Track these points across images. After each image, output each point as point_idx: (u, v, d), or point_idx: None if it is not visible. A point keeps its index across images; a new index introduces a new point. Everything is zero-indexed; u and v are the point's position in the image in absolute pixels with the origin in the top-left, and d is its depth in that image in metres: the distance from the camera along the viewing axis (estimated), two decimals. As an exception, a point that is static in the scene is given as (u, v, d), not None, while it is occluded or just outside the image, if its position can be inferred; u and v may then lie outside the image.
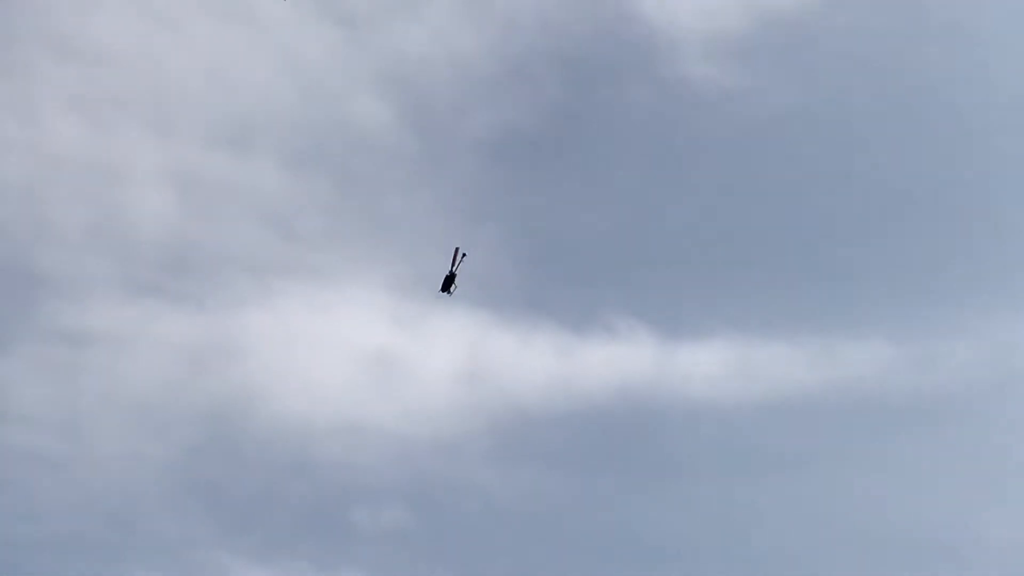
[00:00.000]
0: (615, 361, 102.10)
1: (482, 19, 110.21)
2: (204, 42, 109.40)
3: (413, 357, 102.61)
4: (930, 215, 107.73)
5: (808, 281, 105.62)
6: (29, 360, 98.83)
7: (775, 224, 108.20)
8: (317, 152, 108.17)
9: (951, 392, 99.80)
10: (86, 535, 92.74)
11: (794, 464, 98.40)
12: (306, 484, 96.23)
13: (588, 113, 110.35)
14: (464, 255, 79.39)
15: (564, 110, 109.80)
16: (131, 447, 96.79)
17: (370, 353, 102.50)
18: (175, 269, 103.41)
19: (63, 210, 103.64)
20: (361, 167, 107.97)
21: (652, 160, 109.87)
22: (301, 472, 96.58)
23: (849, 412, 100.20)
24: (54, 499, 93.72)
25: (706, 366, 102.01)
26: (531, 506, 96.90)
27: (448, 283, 79.46)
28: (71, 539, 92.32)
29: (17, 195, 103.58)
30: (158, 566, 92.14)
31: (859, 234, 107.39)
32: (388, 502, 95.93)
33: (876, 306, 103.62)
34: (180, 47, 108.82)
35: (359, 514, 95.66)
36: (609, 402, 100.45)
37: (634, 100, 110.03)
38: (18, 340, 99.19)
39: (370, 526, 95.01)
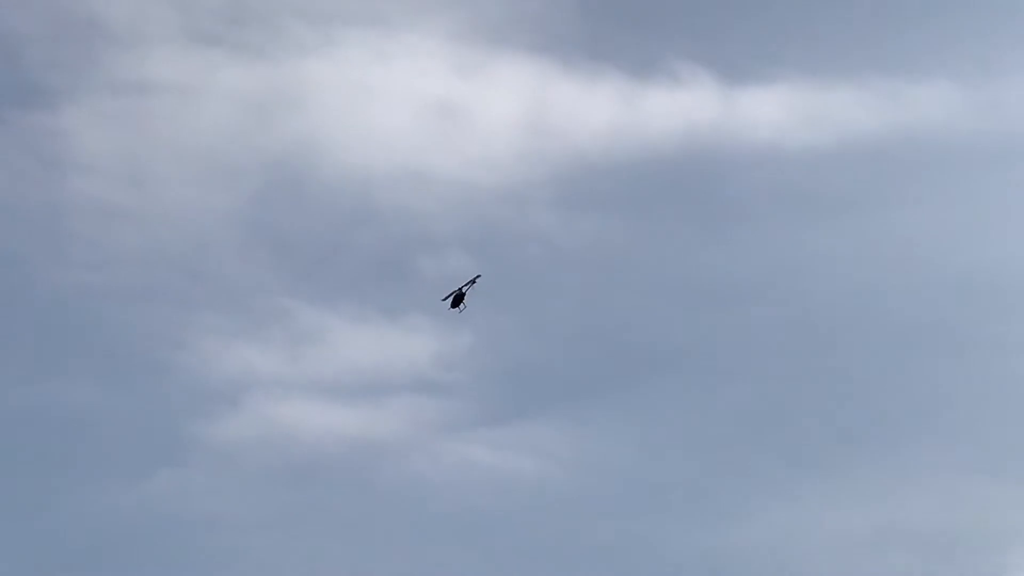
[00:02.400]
0: (678, 107, 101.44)
1: None
2: None
3: (475, 105, 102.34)
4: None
5: (874, 23, 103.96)
6: (93, 111, 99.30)
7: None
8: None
9: (1016, 134, 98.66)
10: (154, 283, 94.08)
11: (857, 208, 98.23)
12: (370, 231, 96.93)
13: None
14: (479, 276, 78.98)
15: None
16: (197, 196, 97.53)
17: (431, 101, 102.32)
18: (236, 19, 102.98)
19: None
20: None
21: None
22: (365, 219, 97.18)
23: (913, 156, 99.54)
24: (122, 248, 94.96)
25: (770, 111, 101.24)
26: (593, 252, 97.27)
27: (457, 301, 79.14)
28: (140, 287, 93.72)
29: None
30: (227, 312, 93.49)
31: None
32: (451, 248, 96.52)
33: (943, 49, 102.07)
34: None
35: (423, 260, 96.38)
36: (672, 149, 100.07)
37: None
38: (82, 91, 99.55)
39: (434, 272, 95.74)
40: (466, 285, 78.60)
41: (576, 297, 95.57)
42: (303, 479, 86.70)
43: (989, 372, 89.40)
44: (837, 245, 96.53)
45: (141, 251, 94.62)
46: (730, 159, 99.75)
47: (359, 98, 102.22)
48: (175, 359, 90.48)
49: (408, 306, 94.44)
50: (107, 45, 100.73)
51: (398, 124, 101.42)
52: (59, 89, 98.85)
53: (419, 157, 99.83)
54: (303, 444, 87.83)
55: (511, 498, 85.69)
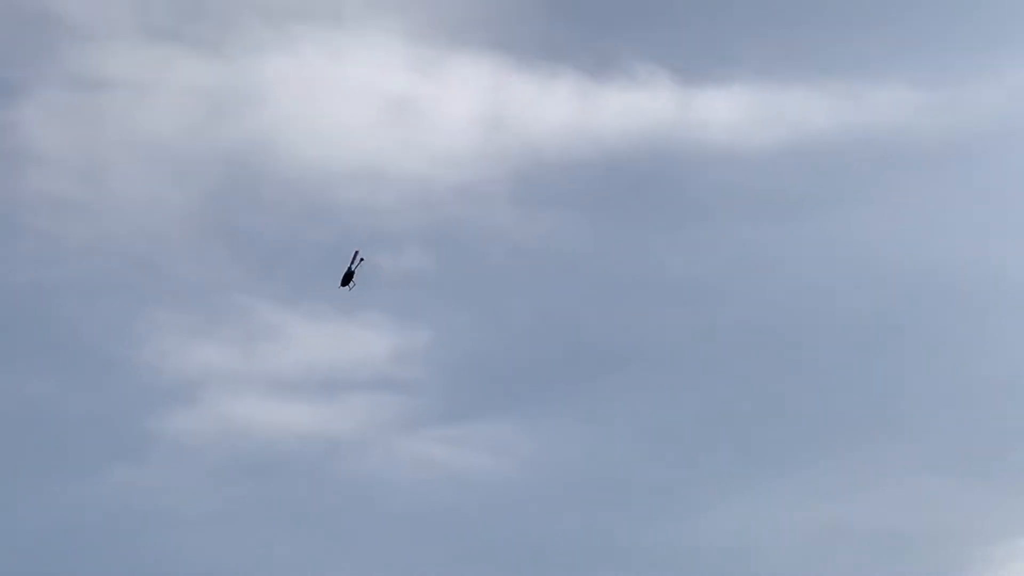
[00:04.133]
0: (635, 106, 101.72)
1: None
2: None
3: (432, 102, 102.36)
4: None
5: (830, 24, 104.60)
6: (48, 105, 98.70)
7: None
8: None
9: (972, 136, 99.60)
10: (110, 278, 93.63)
11: (813, 208, 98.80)
12: (327, 228, 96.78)
13: None
14: (362, 259, 79.50)
15: None
16: (152, 191, 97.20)
17: (389, 98, 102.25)
18: (192, 14, 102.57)
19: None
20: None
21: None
22: (322, 216, 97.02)
23: (870, 157, 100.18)
24: (77, 243, 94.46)
25: (726, 111, 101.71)
26: (551, 249, 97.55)
27: (347, 279, 79.77)
28: (95, 282, 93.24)
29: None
30: (182, 308, 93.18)
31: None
32: (409, 245, 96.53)
33: (899, 50, 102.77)
34: None
35: (381, 257, 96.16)
36: (629, 147, 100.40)
37: None
38: (37, 85, 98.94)
39: (391, 269, 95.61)
40: (354, 263, 79.08)
41: (534, 295, 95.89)
42: (259, 475, 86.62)
43: (947, 372, 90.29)
44: (794, 245, 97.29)
45: (96, 246, 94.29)
46: (687, 159, 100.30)
47: (316, 95, 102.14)
48: (131, 355, 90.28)
49: (365, 303, 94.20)
50: (62, 39, 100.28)
51: (355, 121, 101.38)
52: (14, 83, 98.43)
53: (377, 154, 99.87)
54: (259, 440, 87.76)
55: (469, 495, 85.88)
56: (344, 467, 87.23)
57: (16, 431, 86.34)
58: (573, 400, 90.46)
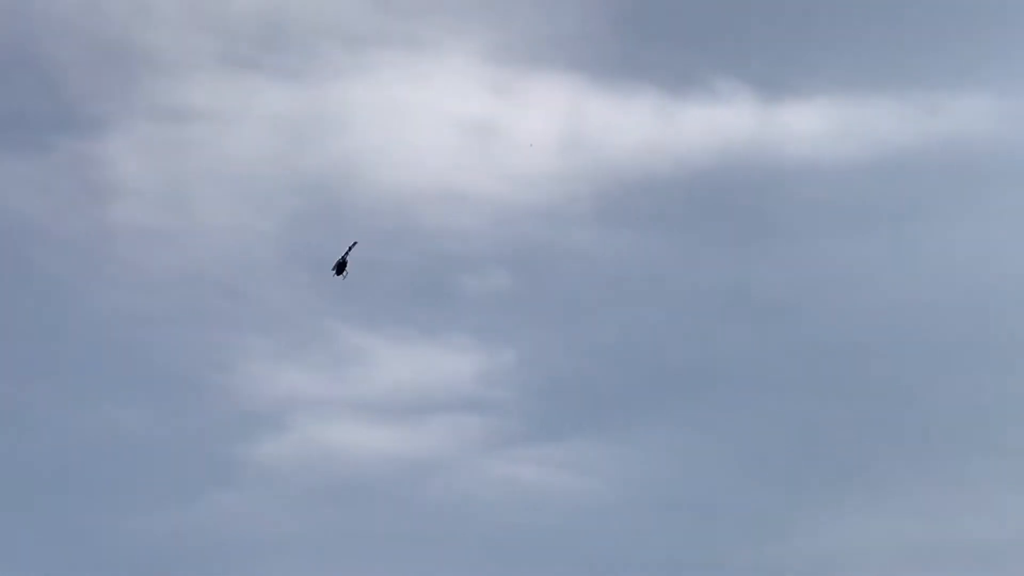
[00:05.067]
0: (715, 122, 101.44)
1: None
2: None
3: (511, 123, 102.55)
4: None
5: (911, 35, 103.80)
6: (133, 137, 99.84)
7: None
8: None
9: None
10: (197, 306, 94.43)
11: (899, 221, 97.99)
12: (410, 251, 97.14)
13: None
14: (355, 243, 79.71)
15: None
16: (237, 219, 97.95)
17: (468, 121, 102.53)
18: (272, 43, 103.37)
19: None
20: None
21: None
22: (404, 239, 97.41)
23: (955, 168, 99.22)
24: (164, 271, 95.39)
25: (808, 125, 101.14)
26: (633, 268, 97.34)
27: (341, 268, 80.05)
28: (183, 310, 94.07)
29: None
30: (268, 334, 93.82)
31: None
32: (491, 267, 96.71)
33: (981, 59, 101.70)
34: None
35: (463, 279, 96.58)
36: (710, 163, 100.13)
37: None
38: (122, 117, 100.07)
39: (474, 290, 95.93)
40: (346, 252, 79.38)
41: (618, 314, 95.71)
42: (349, 499, 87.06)
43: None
44: (881, 258, 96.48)
45: (184, 274, 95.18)
46: (769, 174, 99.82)
47: (395, 119, 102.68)
48: (219, 381, 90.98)
49: (449, 325, 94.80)
50: (146, 72, 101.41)
51: (435, 144, 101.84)
52: (100, 117, 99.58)
53: (456, 176, 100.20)
54: (348, 464, 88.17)
55: (556, 516, 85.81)
56: (431, 489, 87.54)
57: (107, 459, 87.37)
58: (659, 419, 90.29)
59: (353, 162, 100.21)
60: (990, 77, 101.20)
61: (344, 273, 79.71)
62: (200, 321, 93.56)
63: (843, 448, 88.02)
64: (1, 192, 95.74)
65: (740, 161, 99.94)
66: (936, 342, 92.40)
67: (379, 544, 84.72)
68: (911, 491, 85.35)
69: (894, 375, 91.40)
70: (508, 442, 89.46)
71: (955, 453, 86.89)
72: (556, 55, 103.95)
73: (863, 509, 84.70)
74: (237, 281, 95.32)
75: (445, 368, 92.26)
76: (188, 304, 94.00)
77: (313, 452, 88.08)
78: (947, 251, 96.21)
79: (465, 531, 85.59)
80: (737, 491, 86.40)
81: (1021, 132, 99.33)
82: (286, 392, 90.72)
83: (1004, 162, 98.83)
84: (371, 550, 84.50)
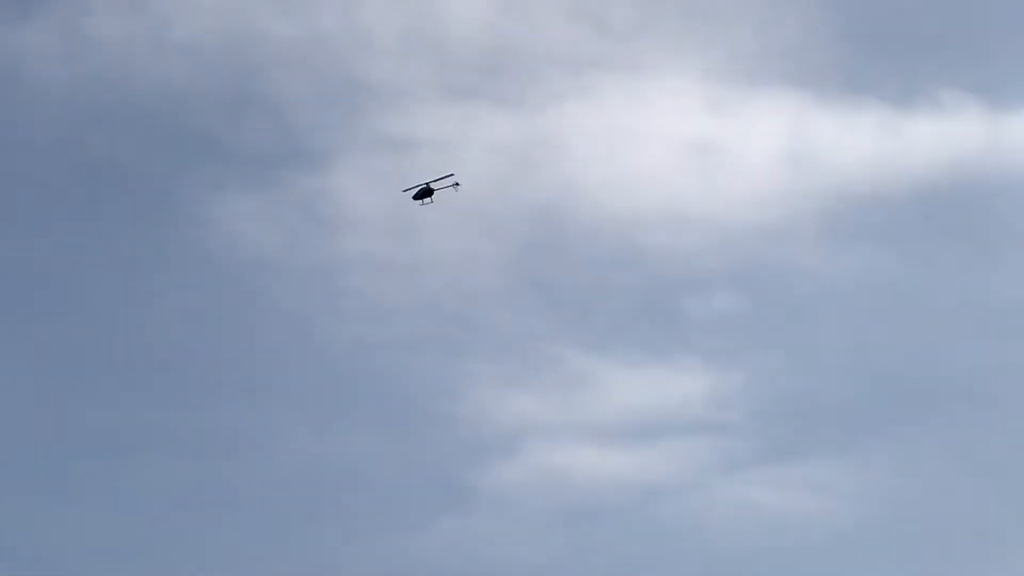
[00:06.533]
0: (943, 135, 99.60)
1: None
2: None
3: (734, 142, 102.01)
4: None
5: None
6: (358, 168, 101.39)
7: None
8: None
9: None
10: (427, 333, 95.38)
11: None
12: (635, 274, 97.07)
13: None
14: (457, 183, 79.04)
15: None
16: (463, 247, 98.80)
17: (690, 141, 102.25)
18: (492, 70, 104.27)
19: (379, 19, 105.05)
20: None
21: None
22: (628, 262, 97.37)
23: None
24: (394, 300, 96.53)
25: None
26: (862, 285, 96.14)
27: (425, 194, 79.57)
28: (413, 338, 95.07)
29: (336, 7, 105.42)
30: (498, 361, 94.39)
31: None
32: (717, 288, 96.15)
33: None
34: None
35: (689, 301, 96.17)
36: (939, 177, 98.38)
37: None
38: (346, 150, 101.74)
39: (701, 312, 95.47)
40: (438, 180, 78.54)
41: (848, 331, 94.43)
42: (582, 522, 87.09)
43: None
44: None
45: (413, 303, 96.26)
46: (1000, 185, 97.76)
47: (617, 142, 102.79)
48: (450, 408, 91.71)
49: (677, 347, 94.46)
50: (368, 104, 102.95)
51: (657, 166, 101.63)
52: (325, 150, 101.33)
53: (680, 197, 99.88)
54: (580, 488, 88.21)
55: (794, 537, 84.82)
56: (664, 512, 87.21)
57: (341, 485, 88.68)
58: (895, 438, 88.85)
59: (576, 186, 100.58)
60: None
61: (428, 200, 79.62)
62: (430, 349, 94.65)
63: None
64: (234, 227, 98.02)
65: (970, 173, 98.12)
66: None
67: (616, 566, 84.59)
68: None
69: None
70: (739, 464, 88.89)
71: None
72: (776, 72, 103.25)
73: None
74: (465, 308, 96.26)
75: (674, 391, 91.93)
76: (417, 332, 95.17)
77: (544, 477, 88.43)
78: None
79: (699, 554, 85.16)
80: (972, 510, 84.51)
81: None
82: (516, 418, 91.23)
83: None
84: (609, 573, 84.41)
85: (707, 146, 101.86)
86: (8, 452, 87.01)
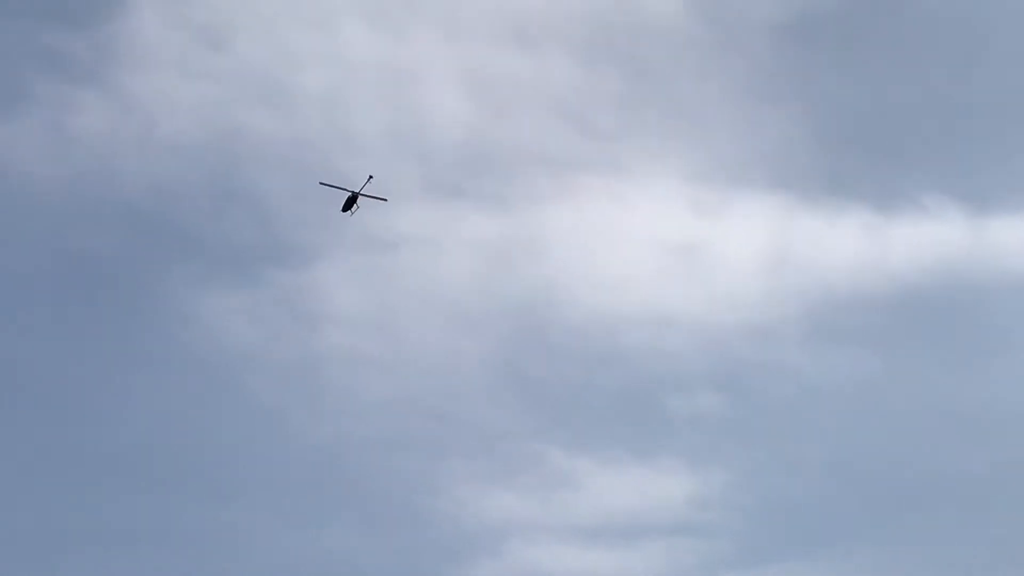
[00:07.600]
0: (926, 238, 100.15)
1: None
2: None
3: (716, 244, 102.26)
4: None
5: None
6: (342, 265, 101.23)
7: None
8: (606, 43, 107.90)
9: None
10: (407, 430, 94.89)
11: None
12: (617, 373, 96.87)
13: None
14: (371, 176, 79.09)
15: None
16: (445, 344, 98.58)
17: (672, 242, 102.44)
18: (474, 169, 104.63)
19: (363, 117, 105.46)
20: (651, 56, 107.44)
21: (954, 31, 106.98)
22: (612, 362, 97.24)
23: None
24: (375, 396, 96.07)
25: (1021, 238, 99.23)
26: (844, 387, 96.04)
27: (349, 203, 79.87)
28: (393, 434, 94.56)
29: (318, 105, 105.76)
30: (478, 458, 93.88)
31: None
32: (700, 389, 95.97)
33: None
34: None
35: (672, 401, 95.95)
36: (921, 280, 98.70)
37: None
38: (332, 247, 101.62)
39: (684, 412, 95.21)
40: (362, 187, 78.15)
41: (831, 433, 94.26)
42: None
43: None
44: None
45: (394, 399, 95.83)
46: (983, 289, 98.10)
47: (599, 242, 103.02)
48: (430, 505, 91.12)
49: (660, 447, 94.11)
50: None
51: (640, 266, 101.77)
52: (309, 247, 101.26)
53: (663, 298, 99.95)
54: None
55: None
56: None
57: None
58: (878, 542, 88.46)
59: (558, 285, 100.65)
60: None
61: (354, 208, 79.05)
62: (410, 445, 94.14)
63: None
64: (216, 323, 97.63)
65: (952, 277, 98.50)
66: None
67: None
68: None
69: None
70: (720, 565, 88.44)
71: None
72: (759, 175, 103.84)
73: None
74: (447, 405, 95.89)
75: (656, 491, 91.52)
76: (399, 428, 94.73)
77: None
78: None
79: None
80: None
81: None
82: (497, 516, 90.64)
83: None
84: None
85: (690, 247, 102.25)
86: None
